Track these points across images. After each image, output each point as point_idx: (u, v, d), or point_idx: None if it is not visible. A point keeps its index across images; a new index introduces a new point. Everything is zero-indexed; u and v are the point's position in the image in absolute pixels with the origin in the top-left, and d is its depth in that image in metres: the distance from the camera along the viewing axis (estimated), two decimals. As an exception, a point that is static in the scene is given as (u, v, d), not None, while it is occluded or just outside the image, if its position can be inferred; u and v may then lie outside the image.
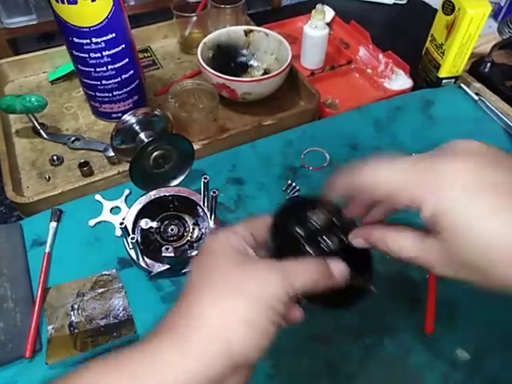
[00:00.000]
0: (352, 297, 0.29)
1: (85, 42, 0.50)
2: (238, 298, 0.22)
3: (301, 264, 0.25)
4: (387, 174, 0.24)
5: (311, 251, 0.28)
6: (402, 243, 0.25)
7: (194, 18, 0.70)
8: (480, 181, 0.21)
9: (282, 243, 0.28)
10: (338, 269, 0.26)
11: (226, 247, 0.25)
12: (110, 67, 0.53)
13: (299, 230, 0.29)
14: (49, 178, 0.53)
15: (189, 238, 0.44)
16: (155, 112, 0.52)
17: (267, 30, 0.65)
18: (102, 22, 0.49)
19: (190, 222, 0.45)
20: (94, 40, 0.50)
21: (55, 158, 0.55)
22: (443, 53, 0.61)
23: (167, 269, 0.40)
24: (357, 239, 0.28)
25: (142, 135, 0.49)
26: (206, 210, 0.44)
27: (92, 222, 0.47)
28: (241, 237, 0.26)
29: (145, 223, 0.42)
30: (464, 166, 0.22)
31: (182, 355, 0.21)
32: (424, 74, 0.67)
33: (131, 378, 0.20)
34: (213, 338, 0.21)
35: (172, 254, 0.38)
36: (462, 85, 0.64)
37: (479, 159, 0.22)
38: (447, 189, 0.21)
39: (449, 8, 0.58)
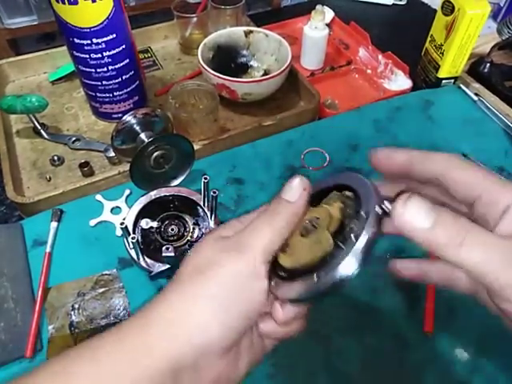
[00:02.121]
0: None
1: (85, 42, 0.50)
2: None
3: (253, 226, 0.23)
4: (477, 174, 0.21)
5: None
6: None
7: (195, 19, 0.70)
8: None
9: None
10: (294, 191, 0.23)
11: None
12: (110, 68, 0.53)
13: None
14: (49, 178, 0.54)
15: (189, 237, 0.44)
16: (156, 112, 0.52)
17: (267, 31, 0.65)
18: (102, 23, 0.49)
19: (190, 221, 0.45)
20: (94, 41, 0.50)
21: (56, 158, 0.55)
22: (442, 53, 0.61)
23: (167, 268, 0.41)
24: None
25: (143, 135, 0.49)
26: (206, 210, 0.45)
27: (93, 222, 0.47)
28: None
29: (145, 223, 0.42)
30: None
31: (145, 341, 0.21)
32: (423, 75, 0.67)
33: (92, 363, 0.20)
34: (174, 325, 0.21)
35: (172, 254, 0.38)
36: (462, 85, 0.64)
37: None
38: None
39: (448, 8, 0.58)
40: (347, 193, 0.24)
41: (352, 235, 0.21)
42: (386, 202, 0.21)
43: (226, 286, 0.22)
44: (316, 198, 0.25)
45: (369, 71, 0.70)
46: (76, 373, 0.20)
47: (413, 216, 0.19)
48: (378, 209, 0.21)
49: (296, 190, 0.23)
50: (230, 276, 0.22)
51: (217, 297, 0.21)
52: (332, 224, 0.23)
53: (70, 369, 0.20)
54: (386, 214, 0.21)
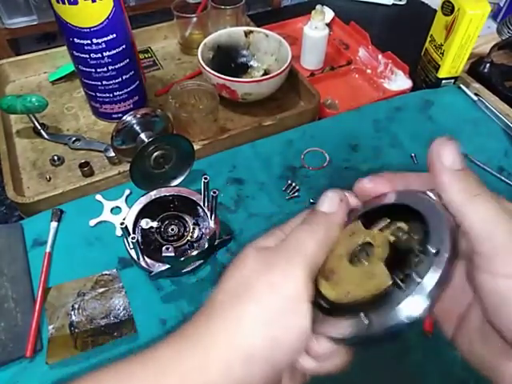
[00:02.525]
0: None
1: (85, 42, 0.50)
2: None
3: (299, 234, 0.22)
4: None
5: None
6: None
7: (195, 19, 0.70)
8: None
9: None
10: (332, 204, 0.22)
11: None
12: (110, 68, 0.53)
13: None
14: (49, 178, 0.54)
15: (189, 237, 0.44)
16: (156, 112, 0.52)
17: (267, 31, 0.65)
18: (102, 23, 0.49)
19: (190, 221, 0.45)
20: (94, 41, 0.50)
21: (56, 158, 0.55)
22: (442, 53, 0.61)
23: (167, 268, 0.41)
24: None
25: (143, 135, 0.49)
26: (206, 210, 0.45)
27: (92, 222, 0.47)
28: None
29: (145, 223, 0.42)
30: None
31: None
32: (423, 75, 0.67)
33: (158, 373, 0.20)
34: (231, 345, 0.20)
35: (172, 254, 0.38)
36: (462, 85, 0.64)
37: None
38: None
39: (448, 8, 0.58)
40: (401, 224, 0.21)
41: (415, 273, 0.17)
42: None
43: (270, 309, 0.20)
44: (370, 217, 0.22)
45: (369, 71, 0.70)
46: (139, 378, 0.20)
47: (448, 155, 0.20)
48: (450, 247, 0.17)
49: (332, 200, 0.22)
50: (274, 300, 0.20)
51: (261, 323, 0.20)
52: (388, 255, 0.20)
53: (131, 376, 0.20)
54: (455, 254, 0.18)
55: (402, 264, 0.19)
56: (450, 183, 0.19)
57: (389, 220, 0.21)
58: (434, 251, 0.18)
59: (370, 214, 0.22)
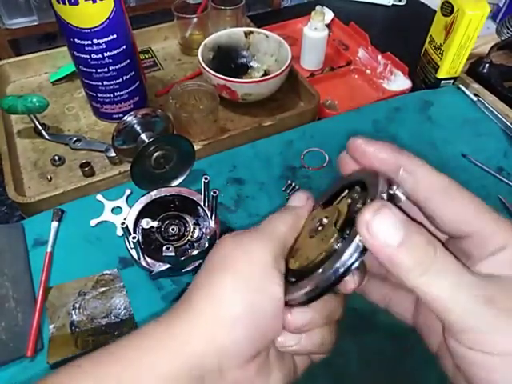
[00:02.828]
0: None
1: (86, 43, 0.50)
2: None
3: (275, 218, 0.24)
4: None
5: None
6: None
7: (195, 20, 0.70)
8: None
9: None
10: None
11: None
12: (111, 68, 0.54)
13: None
14: (50, 178, 0.54)
15: (189, 237, 0.44)
16: (156, 113, 0.52)
17: (267, 32, 0.65)
18: (103, 23, 0.49)
19: (190, 221, 0.45)
20: (95, 41, 0.50)
21: (57, 158, 0.55)
22: (442, 54, 0.61)
23: (168, 268, 0.41)
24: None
25: (143, 136, 0.50)
26: (206, 210, 0.45)
27: (93, 222, 0.47)
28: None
29: (146, 223, 0.42)
30: None
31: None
32: (423, 75, 0.67)
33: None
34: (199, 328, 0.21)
35: (173, 254, 0.39)
36: (461, 86, 0.64)
37: None
38: None
39: (447, 9, 0.58)
40: (357, 188, 0.23)
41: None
42: (394, 188, 0.20)
43: (245, 276, 0.22)
44: (330, 202, 0.25)
45: (368, 72, 0.70)
46: (104, 373, 0.20)
47: (380, 229, 0.17)
48: (384, 195, 0.19)
49: (300, 197, 0.26)
50: (249, 267, 0.22)
51: (238, 291, 0.21)
52: (339, 220, 0.22)
53: (98, 370, 0.21)
54: (393, 199, 0.19)
55: (350, 224, 0.21)
56: (391, 263, 0.17)
57: (347, 191, 0.24)
58: (368, 200, 0.20)
59: (329, 200, 0.25)
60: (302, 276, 0.22)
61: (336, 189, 0.25)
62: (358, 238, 0.19)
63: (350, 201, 0.23)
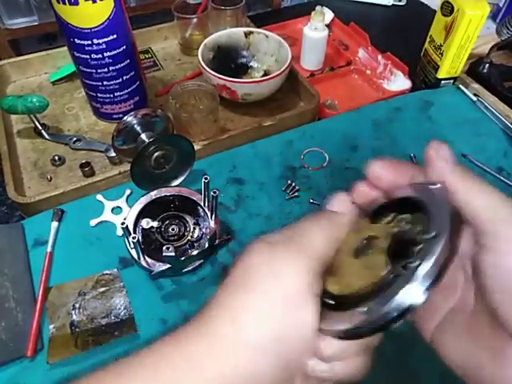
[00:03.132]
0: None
1: (86, 43, 0.50)
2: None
3: (310, 229, 0.22)
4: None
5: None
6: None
7: (195, 20, 0.70)
8: None
9: None
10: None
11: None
12: (111, 68, 0.54)
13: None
14: (50, 178, 0.54)
15: (189, 237, 0.44)
16: (156, 113, 0.52)
17: (267, 32, 0.65)
18: (103, 24, 0.49)
19: (190, 221, 0.45)
20: (95, 41, 0.50)
21: (57, 158, 0.55)
22: (442, 54, 0.61)
23: (168, 268, 0.41)
24: None
25: (143, 136, 0.50)
26: (206, 210, 0.45)
27: (93, 222, 0.47)
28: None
29: (146, 223, 0.42)
30: None
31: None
32: (423, 75, 0.67)
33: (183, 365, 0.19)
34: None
35: (173, 254, 0.39)
36: (461, 86, 0.64)
37: None
38: None
39: (447, 9, 0.58)
40: (406, 216, 0.21)
41: (414, 260, 0.17)
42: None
43: (276, 301, 0.20)
44: (375, 215, 0.22)
45: (368, 72, 0.70)
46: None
47: (446, 151, 0.20)
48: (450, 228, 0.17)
49: (342, 201, 0.23)
50: (281, 293, 0.20)
51: (266, 318, 0.19)
52: (391, 246, 0.20)
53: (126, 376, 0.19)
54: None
55: (405, 254, 0.19)
56: (452, 174, 0.20)
57: (394, 213, 0.21)
58: (431, 236, 0.17)
59: (378, 211, 0.22)
60: (341, 303, 0.20)
61: (386, 201, 0.22)
62: (417, 278, 0.17)
63: (407, 227, 0.20)
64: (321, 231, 0.21)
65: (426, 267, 0.17)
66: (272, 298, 0.20)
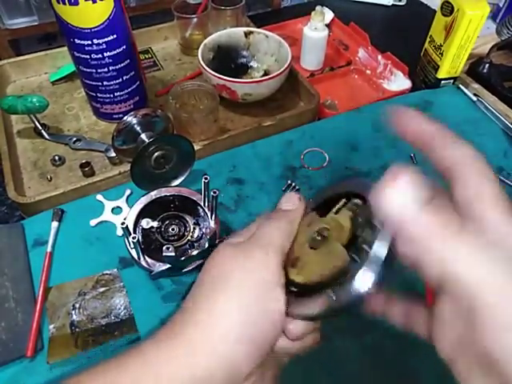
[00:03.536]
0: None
1: (86, 43, 0.50)
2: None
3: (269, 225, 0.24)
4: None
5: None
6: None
7: (195, 20, 0.70)
8: None
9: None
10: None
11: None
12: (111, 68, 0.54)
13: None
14: (50, 178, 0.54)
15: (189, 237, 0.44)
16: (156, 113, 0.52)
17: (267, 32, 0.65)
18: (103, 24, 0.49)
19: (190, 221, 0.45)
20: (95, 41, 0.50)
21: (57, 158, 0.55)
22: (442, 54, 0.61)
23: (168, 268, 0.41)
24: None
25: (143, 136, 0.50)
26: (206, 210, 0.45)
27: (93, 222, 0.47)
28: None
29: (146, 223, 0.42)
30: None
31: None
32: (423, 75, 0.67)
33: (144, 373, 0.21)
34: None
35: (173, 254, 0.39)
36: (461, 86, 0.64)
37: None
38: None
39: (447, 9, 0.58)
40: (356, 200, 0.23)
41: (366, 246, 0.19)
42: None
43: (248, 295, 0.22)
44: (323, 208, 0.25)
45: (368, 72, 0.70)
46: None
47: (400, 195, 0.16)
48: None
49: (291, 199, 0.26)
50: (251, 285, 0.22)
51: (241, 309, 0.21)
52: (343, 235, 0.22)
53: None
54: None
55: (357, 241, 0.21)
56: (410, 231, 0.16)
57: (345, 200, 0.24)
58: (378, 224, 0.19)
59: (324, 205, 0.25)
60: (305, 290, 0.22)
61: (328, 195, 0.25)
62: (370, 263, 0.18)
63: (351, 214, 0.22)
64: (278, 228, 0.24)
65: (377, 251, 0.18)
66: (243, 292, 0.22)
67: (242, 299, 0.22)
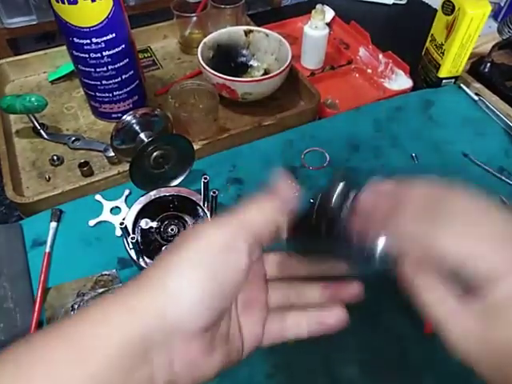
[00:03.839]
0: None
1: (85, 42, 0.50)
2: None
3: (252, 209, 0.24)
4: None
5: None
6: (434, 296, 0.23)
7: (194, 19, 0.70)
8: None
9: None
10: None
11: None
12: (110, 67, 0.53)
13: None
14: (49, 178, 0.53)
15: (189, 238, 0.44)
16: (155, 112, 0.52)
17: (267, 31, 0.65)
18: (102, 22, 0.49)
19: (189, 222, 0.45)
20: (94, 40, 0.50)
21: (55, 158, 0.55)
22: (443, 53, 0.61)
23: (167, 269, 0.40)
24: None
25: (142, 135, 0.49)
26: (206, 210, 0.44)
27: (92, 222, 0.47)
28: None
29: (145, 223, 0.42)
30: None
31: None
32: (424, 74, 0.67)
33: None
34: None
35: (172, 254, 0.38)
36: (462, 85, 0.64)
37: None
38: None
39: (449, 8, 0.58)
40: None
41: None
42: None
43: (202, 255, 0.21)
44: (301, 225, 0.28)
45: (369, 71, 0.69)
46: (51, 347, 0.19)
47: None
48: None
49: (287, 187, 0.26)
50: (207, 244, 0.21)
51: (193, 266, 0.21)
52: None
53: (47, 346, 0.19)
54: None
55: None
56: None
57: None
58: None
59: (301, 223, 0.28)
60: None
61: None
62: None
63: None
64: (260, 214, 0.24)
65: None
66: (208, 242, 0.22)
67: (206, 250, 0.21)
